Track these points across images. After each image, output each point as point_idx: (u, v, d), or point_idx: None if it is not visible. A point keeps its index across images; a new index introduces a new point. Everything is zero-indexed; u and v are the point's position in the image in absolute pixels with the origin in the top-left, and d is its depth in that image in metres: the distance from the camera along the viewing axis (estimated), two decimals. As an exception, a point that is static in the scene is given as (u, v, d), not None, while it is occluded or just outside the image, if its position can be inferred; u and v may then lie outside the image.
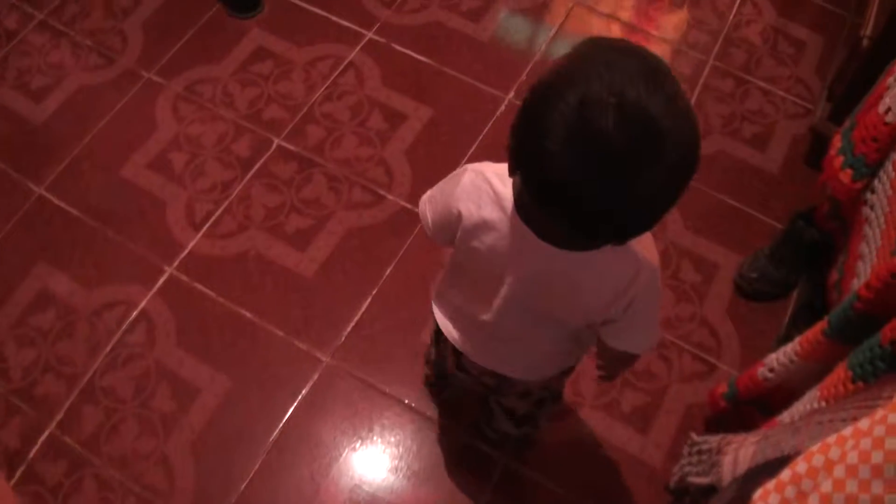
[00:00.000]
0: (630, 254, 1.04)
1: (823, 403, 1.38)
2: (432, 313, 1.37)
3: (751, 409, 1.75)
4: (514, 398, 1.52)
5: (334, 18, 2.36)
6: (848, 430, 0.94)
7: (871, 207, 1.62)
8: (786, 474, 0.98)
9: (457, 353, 1.38)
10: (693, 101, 2.28)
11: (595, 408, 1.82)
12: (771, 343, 1.94)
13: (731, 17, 2.43)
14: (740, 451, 1.31)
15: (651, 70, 0.83)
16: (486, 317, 1.20)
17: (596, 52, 0.85)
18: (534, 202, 0.91)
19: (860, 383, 1.30)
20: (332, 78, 2.24)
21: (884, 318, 1.36)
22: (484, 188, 1.06)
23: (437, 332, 1.45)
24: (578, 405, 1.82)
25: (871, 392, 1.19)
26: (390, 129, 2.16)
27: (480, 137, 2.17)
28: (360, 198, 2.05)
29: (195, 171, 2.06)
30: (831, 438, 0.95)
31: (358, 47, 2.30)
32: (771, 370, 1.63)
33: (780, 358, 1.61)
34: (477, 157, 2.13)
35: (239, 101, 2.18)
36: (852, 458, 0.90)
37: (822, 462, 0.94)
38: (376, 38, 2.33)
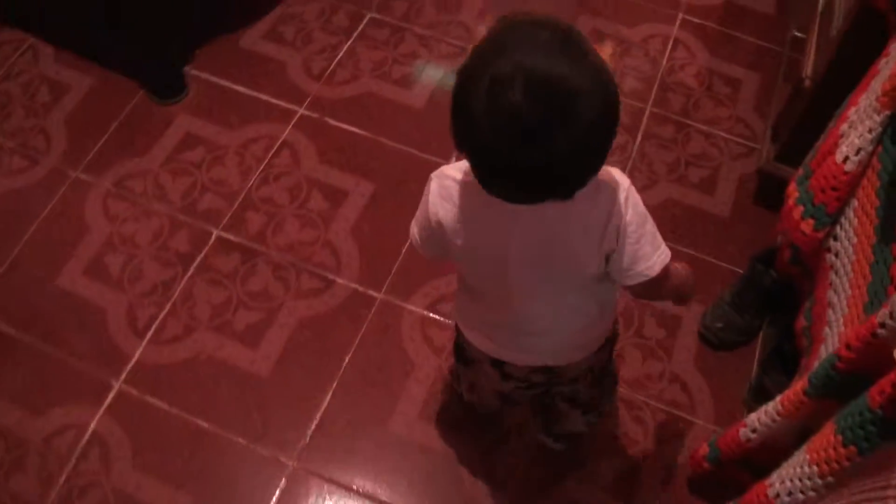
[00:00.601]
0: (599, 187, 1.08)
1: (815, 468, 1.33)
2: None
3: (735, 468, 1.69)
4: (570, 386, 1.50)
5: (263, 97, 2.26)
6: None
7: (836, 255, 1.58)
8: None
9: (497, 366, 1.39)
10: (635, 150, 2.24)
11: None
12: (744, 393, 1.89)
13: (665, 62, 2.40)
14: None
15: (559, 38, 0.90)
16: (509, 312, 1.24)
17: (508, 29, 0.93)
18: (476, 175, 0.99)
19: (852, 447, 1.24)
20: (266, 160, 2.14)
21: (868, 376, 1.31)
22: (450, 185, 1.11)
23: (465, 361, 1.51)
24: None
25: (877, 473, 1.13)
26: (332, 208, 2.07)
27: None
28: (308, 285, 1.95)
29: (133, 273, 1.94)
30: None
31: (290, 125, 2.21)
32: (753, 430, 1.57)
33: (761, 418, 1.55)
34: (425, 230, 2.06)
35: (172, 193, 2.06)
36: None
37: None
38: (308, 113, 2.24)
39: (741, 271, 1.99)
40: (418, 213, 1.21)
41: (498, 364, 1.39)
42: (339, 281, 1.96)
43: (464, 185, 1.10)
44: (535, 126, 0.88)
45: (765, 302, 2.00)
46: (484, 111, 0.89)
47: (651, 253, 1.17)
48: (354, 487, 1.71)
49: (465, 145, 0.96)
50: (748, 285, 1.99)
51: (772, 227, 2.13)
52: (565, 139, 0.89)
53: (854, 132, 1.50)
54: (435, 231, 1.16)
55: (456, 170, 1.11)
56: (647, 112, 2.30)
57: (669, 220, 2.11)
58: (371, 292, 1.95)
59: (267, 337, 1.87)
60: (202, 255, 1.96)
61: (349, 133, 2.21)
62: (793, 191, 1.65)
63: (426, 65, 2.38)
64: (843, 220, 1.56)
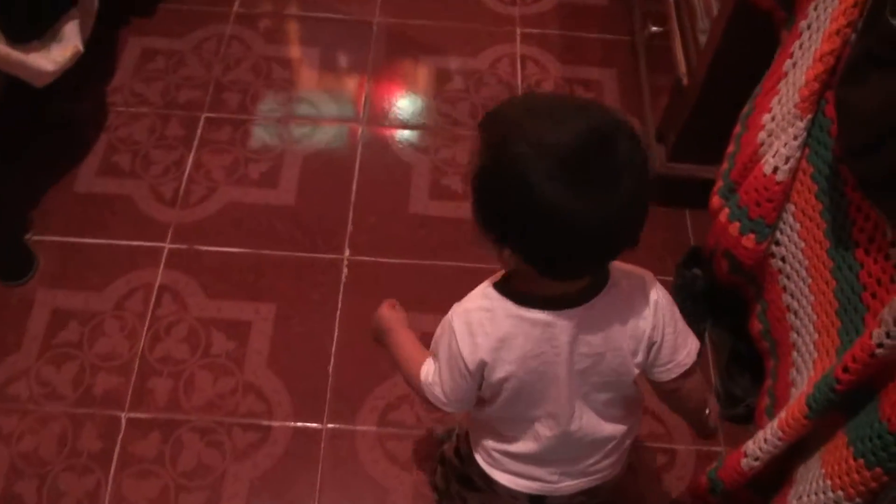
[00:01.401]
0: (629, 275, 1.07)
1: (840, 493, 1.27)
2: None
3: (742, 490, 1.63)
4: (603, 497, 1.37)
5: (120, 242, 2.00)
6: None
7: (783, 259, 1.53)
8: None
9: (537, 501, 1.28)
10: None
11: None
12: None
13: (520, 82, 2.29)
14: None
15: (552, 98, 1.00)
16: (558, 438, 1.15)
17: (495, 116, 0.93)
18: (541, 260, 0.94)
19: (878, 469, 1.19)
20: (149, 314, 1.89)
21: (871, 386, 1.26)
22: (479, 317, 1.03)
23: (476, 488, 1.41)
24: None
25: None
26: (239, 345, 1.86)
27: (338, 310, 1.92)
28: (244, 440, 1.74)
29: (51, 497, 1.67)
30: None
31: (161, 266, 1.97)
32: (756, 459, 1.50)
33: (762, 446, 1.48)
34: (344, 329, 1.90)
35: (61, 387, 1.79)
36: None
37: None
38: (175, 246, 2.00)
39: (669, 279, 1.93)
40: (441, 368, 1.10)
41: (539, 500, 1.27)
42: (275, 424, 1.76)
43: (493, 311, 1.03)
44: (603, 172, 0.87)
45: (701, 306, 1.94)
46: (544, 173, 0.85)
47: (686, 339, 1.13)
48: None
49: (527, 231, 0.91)
50: (681, 294, 1.94)
51: (682, 225, 2.10)
52: (630, 181, 0.87)
53: (777, 141, 1.45)
54: (474, 376, 1.07)
55: (474, 301, 1.05)
56: (521, 140, 2.20)
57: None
58: (313, 425, 1.77)
59: (221, 516, 1.66)
60: (118, 447, 1.72)
61: (227, 255, 2.00)
62: (720, 206, 1.58)
63: (283, 152, 2.18)
64: (782, 225, 1.51)
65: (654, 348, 1.09)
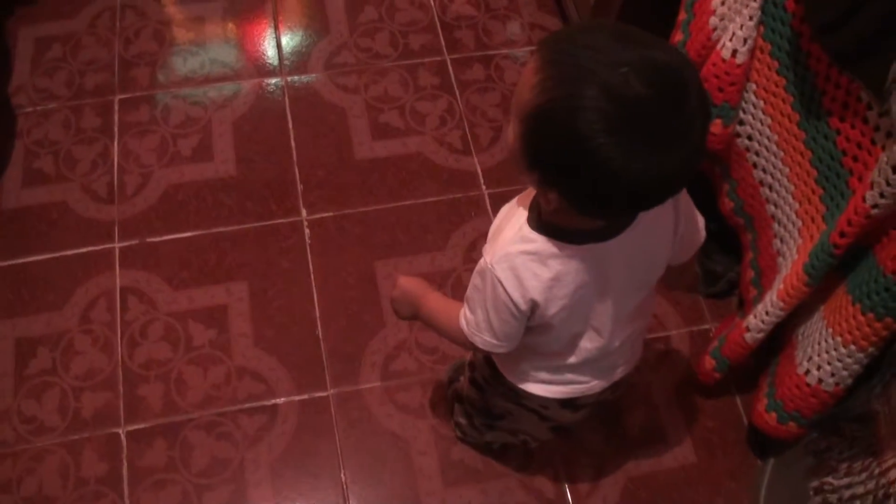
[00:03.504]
0: None
1: (853, 346, 1.27)
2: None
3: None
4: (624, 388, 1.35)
5: (67, 252, 1.80)
6: None
7: (749, 138, 1.47)
8: None
9: (568, 405, 1.24)
10: (462, 106, 2.00)
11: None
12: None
13: (433, 3, 2.12)
14: None
15: (622, 31, 0.78)
16: (599, 346, 1.10)
17: (566, 48, 0.79)
18: (596, 209, 0.87)
19: (889, 319, 1.21)
20: (118, 321, 1.72)
21: (867, 245, 1.25)
22: (522, 260, 0.95)
23: (499, 415, 1.39)
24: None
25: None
26: (221, 331, 1.72)
27: (311, 273, 1.78)
28: (253, 425, 1.62)
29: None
30: None
31: (116, 268, 1.78)
32: (759, 331, 1.48)
33: (764, 318, 1.45)
34: (323, 291, 1.76)
35: (48, 418, 1.62)
36: None
37: None
38: (126, 244, 1.81)
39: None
40: (490, 318, 1.02)
41: (569, 402, 1.23)
42: (280, 402, 1.64)
43: (538, 254, 0.94)
44: (675, 128, 0.78)
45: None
46: (606, 124, 0.75)
47: (697, 218, 1.11)
48: None
49: (581, 175, 0.80)
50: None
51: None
52: (697, 134, 0.79)
53: (732, 24, 1.36)
54: (524, 316, 1.00)
55: (513, 244, 0.95)
56: (449, 62, 2.05)
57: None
58: (319, 394, 1.65)
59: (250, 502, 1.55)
60: (125, 464, 1.58)
61: (182, 241, 1.82)
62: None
63: (209, 121, 1.99)
64: (744, 105, 1.45)
65: (678, 237, 1.05)
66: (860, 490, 1.29)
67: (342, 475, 1.58)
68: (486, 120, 2.00)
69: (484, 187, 1.92)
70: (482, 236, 1.85)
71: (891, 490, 1.24)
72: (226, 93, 2.04)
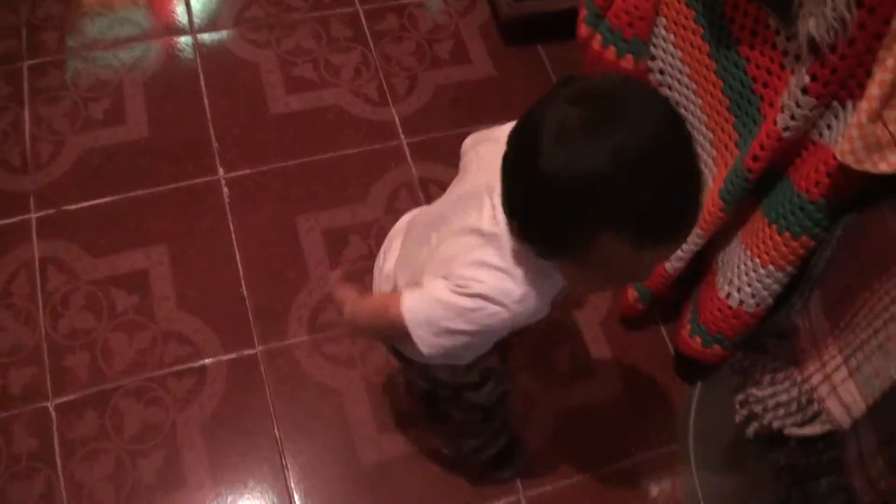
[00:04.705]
0: None
1: (771, 267, 1.28)
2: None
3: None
4: None
5: (-20, 227, 1.72)
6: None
7: (661, 72, 1.45)
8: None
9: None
10: (376, 57, 1.93)
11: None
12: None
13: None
14: (839, 392, 1.13)
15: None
16: None
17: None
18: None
19: (805, 237, 1.21)
20: (39, 291, 1.64)
21: (781, 168, 1.24)
22: (534, 304, 0.89)
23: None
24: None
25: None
26: (143, 296, 1.65)
27: (232, 232, 1.72)
28: (183, 387, 1.57)
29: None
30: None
31: (34, 239, 1.70)
32: (679, 260, 1.47)
33: (683, 246, 1.43)
34: (245, 248, 1.70)
35: (-29, 395, 1.55)
36: None
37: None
38: (42, 213, 1.72)
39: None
40: (469, 340, 0.93)
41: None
42: (208, 362, 1.59)
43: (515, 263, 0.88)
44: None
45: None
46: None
47: None
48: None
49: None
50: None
51: (538, 61, 1.96)
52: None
53: (639, -43, 1.30)
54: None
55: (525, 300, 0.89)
56: (361, 13, 1.97)
57: (452, 107, 1.86)
58: (246, 352, 1.61)
59: (187, 466, 1.50)
60: (56, 438, 1.52)
61: (99, 208, 1.74)
62: (590, 33, 1.44)
63: (120, 83, 1.89)
64: (654, 39, 1.41)
65: None
66: (784, 398, 1.30)
67: (276, 431, 1.54)
68: (402, 69, 1.94)
69: (403, 137, 1.86)
70: (403, 186, 1.80)
71: (813, 396, 1.24)
72: (136, 54, 1.94)
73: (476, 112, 1.87)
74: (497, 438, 1.45)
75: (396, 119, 1.88)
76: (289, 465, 1.51)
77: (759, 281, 1.31)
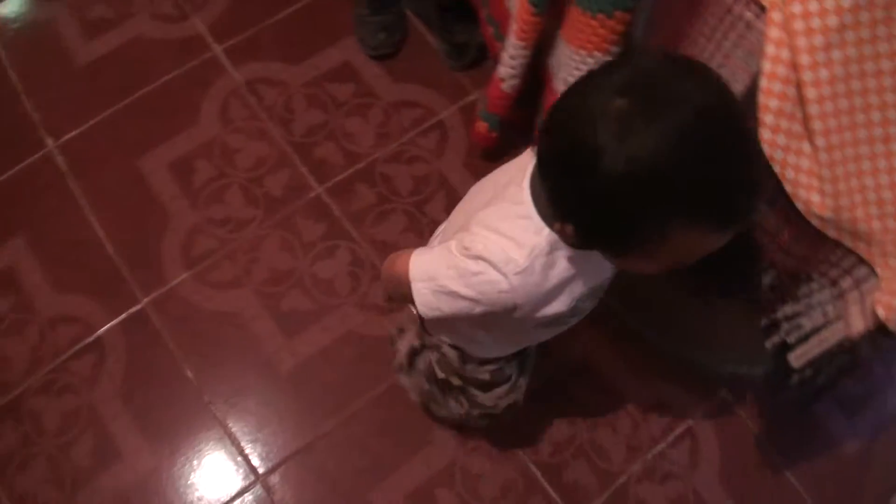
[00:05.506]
0: None
1: (583, 51, 1.22)
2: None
3: (513, 112, 1.53)
4: None
5: None
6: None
7: None
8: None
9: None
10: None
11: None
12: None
13: None
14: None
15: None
16: None
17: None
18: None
19: (618, 13, 1.15)
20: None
21: None
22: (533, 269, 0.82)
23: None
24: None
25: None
26: (17, 293, 1.56)
27: (80, 197, 1.62)
28: (86, 365, 1.51)
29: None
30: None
31: None
32: (513, 77, 1.40)
33: (511, 62, 1.39)
34: (99, 210, 1.61)
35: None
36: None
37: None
38: None
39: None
40: (475, 293, 0.86)
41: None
42: (101, 332, 1.51)
43: (536, 263, 0.82)
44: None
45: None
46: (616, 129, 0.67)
47: None
48: None
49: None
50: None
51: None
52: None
53: None
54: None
55: (513, 256, 0.82)
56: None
57: None
58: (133, 309, 1.53)
59: (118, 438, 1.44)
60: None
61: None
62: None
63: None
64: None
65: None
66: None
67: (187, 373, 1.49)
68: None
69: (215, 45, 1.74)
70: (231, 94, 1.70)
71: None
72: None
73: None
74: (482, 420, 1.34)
75: (203, 28, 1.75)
76: (211, 400, 1.47)
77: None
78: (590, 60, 1.22)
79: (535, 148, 0.78)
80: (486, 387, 1.18)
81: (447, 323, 1.00)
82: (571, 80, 1.26)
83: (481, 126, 1.54)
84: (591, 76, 0.73)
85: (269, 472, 1.43)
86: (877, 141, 0.90)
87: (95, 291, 1.55)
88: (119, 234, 1.59)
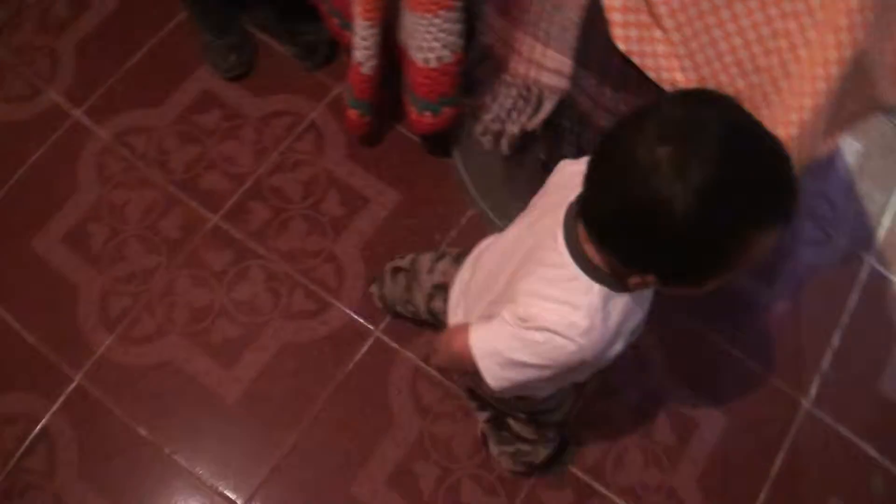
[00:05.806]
0: None
1: (429, 15, 1.26)
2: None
3: (380, 95, 1.54)
4: None
5: None
6: None
7: None
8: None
9: None
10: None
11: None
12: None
13: None
14: (545, 63, 1.15)
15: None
16: None
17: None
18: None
19: None
20: None
21: None
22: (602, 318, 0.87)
23: None
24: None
25: None
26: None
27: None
28: (39, 461, 1.45)
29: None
30: None
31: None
32: (368, 58, 1.42)
33: (362, 43, 1.38)
34: (7, 301, 1.57)
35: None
36: None
37: None
38: None
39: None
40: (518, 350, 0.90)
41: None
42: (45, 422, 1.48)
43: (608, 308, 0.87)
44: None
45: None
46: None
47: None
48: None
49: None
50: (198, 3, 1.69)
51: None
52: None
53: None
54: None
55: (573, 320, 0.85)
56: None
57: (102, 51, 1.72)
58: (70, 388, 1.50)
59: None
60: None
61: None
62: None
63: None
64: None
65: None
66: (509, 102, 1.30)
67: (141, 432, 1.47)
68: (35, 51, 1.76)
69: (74, 111, 1.71)
70: (103, 153, 1.69)
71: (528, 83, 1.26)
72: None
73: (124, 42, 1.74)
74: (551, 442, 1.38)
75: (59, 97, 1.72)
76: (173, 451, 1.46)
77: (440, 31, 1.28)
78: (437, 21, 1.25)
79: (577, 213, 0.83)
80: (553, 411, 1.26)
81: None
82: (425, 44, 1.29)
83: (352, 113, 1.54)
84: (619, 140, 0.77)
85: (249, 501, 1.42)
86: (720, 7, 0.94)
87: (28, 384, 1.51)
88: (34, 321, 1.55)
